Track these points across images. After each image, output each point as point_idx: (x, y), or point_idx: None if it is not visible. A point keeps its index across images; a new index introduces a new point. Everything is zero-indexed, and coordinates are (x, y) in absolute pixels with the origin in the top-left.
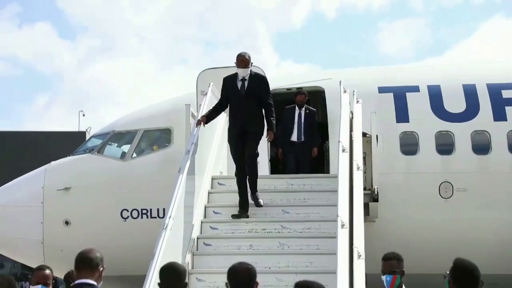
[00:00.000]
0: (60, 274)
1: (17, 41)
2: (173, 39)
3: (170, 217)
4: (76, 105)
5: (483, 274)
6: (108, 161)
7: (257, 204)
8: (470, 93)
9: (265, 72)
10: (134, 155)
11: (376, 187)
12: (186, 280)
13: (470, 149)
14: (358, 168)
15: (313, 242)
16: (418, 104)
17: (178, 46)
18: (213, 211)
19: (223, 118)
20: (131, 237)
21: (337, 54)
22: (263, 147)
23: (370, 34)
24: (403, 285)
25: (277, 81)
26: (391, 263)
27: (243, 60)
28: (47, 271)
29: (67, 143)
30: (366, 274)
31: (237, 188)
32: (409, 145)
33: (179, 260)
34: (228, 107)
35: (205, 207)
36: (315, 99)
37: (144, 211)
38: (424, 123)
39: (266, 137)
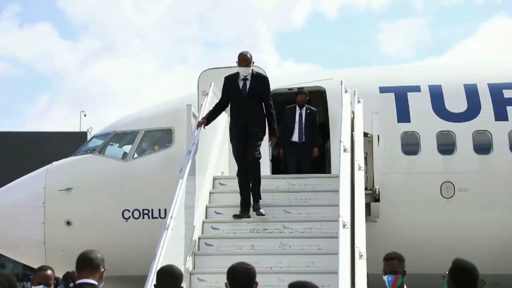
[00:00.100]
0: (61, 275)
1: (18, 41)
2: (174, 39)
3: (171, 217)
4: (77, 105)
5: (484, 274)
6: (109, 162)
7: (258, 214)
8: (471, 93)
9: (266, 72)
10: (136, 155)
11: (377, 187)
12: (183, 284)
13: (471, 149)
14: (359, 168)
15: (315, 242)
16: (419, 104)
17: (179, 46)
18: (215, 211)
19: (224, 118)
20: (132, 237)
21: (338, 54)
22: (265, 148)
23: (371, 34)
24: (405, 285)
25: (278, 81)
26: (393, 263)
27: (244, 59)
28: (49, 272)
29: (69, 143)
30: (367, 274)
31: (238, 188)
32: (410, 145)
33: (180, 260)
34: (230, 107)
35: (206, 207)
36: (316, 99)
37: (146, 212)
38: (425, 123)
39: (268, 142)
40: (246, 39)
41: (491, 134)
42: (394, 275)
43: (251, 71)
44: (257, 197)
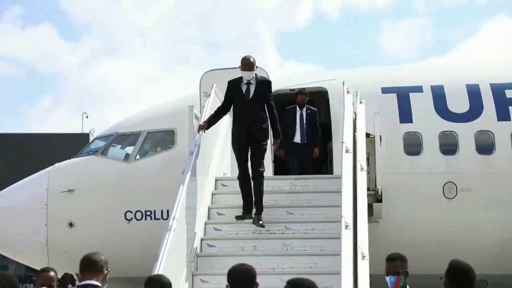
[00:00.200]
0: None
1: (19, 42)
2: (175, 39)
3: (173, 219)
4: (79, 106)
5: (487, 274)
6: (111, 163)
7: (259, 225)
8: (473, 93)
9: (268, 73)
10: (138, 156)
11: (379, 187)
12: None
13: (474, 149)
14: (361, 168)
15: (317, 243)
16: (422, 104)
17: (180, 47)
18: (217, 212)
19: (226, 119)
20: (135, 238)
21: (339, 54)
22: (267, 149)
23: (373, 34)
24: (407, 286)
25: (280, 82)
26: (395, 263)
27: (247, 63)
28: (52, 273)
29: (71, 144)
30: (370, 274)
31: (240, 190)
32: (412, 146)
33: (183, 262)
34: (233, 110)
35: (208, 208)
36: (318, 99)
37: (148, 213)
38: (427, 123)
39: (272, 145)
40: (248, 39)
41: (493, 135)
42: (396, 276)
43: (254, 75)
44: (260, 210)
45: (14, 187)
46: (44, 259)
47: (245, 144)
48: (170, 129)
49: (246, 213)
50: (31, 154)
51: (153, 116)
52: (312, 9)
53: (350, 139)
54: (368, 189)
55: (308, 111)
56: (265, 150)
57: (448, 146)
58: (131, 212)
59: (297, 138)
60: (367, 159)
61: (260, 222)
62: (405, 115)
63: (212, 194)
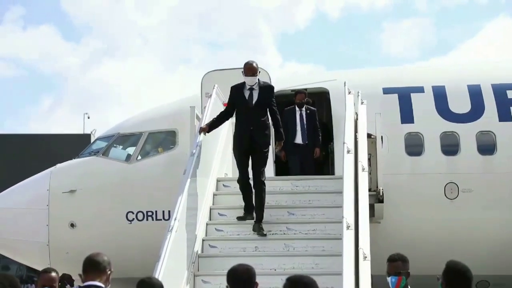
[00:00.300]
0: None
1: (21, 42)
2: (176, 39)
3: (175, 219)
4: (80, 107)
5: (489, 274)
6: (113, 164)
7: (260, 234)
8: (475, 93)
9: (269, 73)
10: (139, 157)
11: (381, 188)
12: None
13: (475, 149)
14: (363, 169)
15: (319, 243)
16: (423, 104)
17: (182, 47)
18: (218, 213)
19: (228, 120)
20: (136, 239)
21: (341, 54)
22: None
23: (374, 34)
24: (409, 286)
25: (281, 83)
26: (396, 264)
27: (250, 69)
28: (53, 274)
29: (72, 145)
30: (371, 275)
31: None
32: (414, 146)
33: (184, 262)
34: (235, 115)
35: (210, 209)
36: (319, 100)
37: (149, 213)
38: (429, 123)
39: (275, 147)
40: (249, 40)
41: (495, 135)
42: (397, 277)
43: (257, 81)
44: (260, 218)
45: (16, 188)
46: (46, 260)
47: (247, 150)
48: (172, 130)
49: (247, 214)
50: (32, 154)
51: (154, 116)
52: (313, 9)
53: (352, 140)
54: (370, 190)
55: (308, 111)
56: (267, 157)
57: (450, 146)
58: (133, 213)
59: (298, 139)
60: (369, 159)
61: (262, 230)
62: (407, 116)
63: (214, 195)
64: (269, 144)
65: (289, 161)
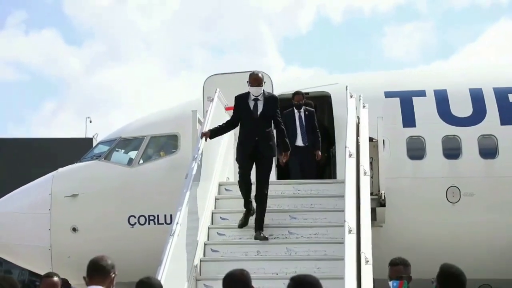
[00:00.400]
0: (68, 281)
1: (23, 47)
2: (179, 43)
3: (177, 223)
4: (82, 111)
5: (491, 278)
6: (115, 168)
7: (263, 239)
8: (476, 97)
9: (271, 77)
10: (141, 161)
11: (383, 192)
12: None
13: (477, 153)
14: (365, 173)
15: (321, 247)
16: (425, 108)
17: (184, 51)
18: (220, 217)
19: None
20: (138, 243)
21: (343, 58)
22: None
23: (376, 38)
24: None
25: (283, 87)
26: (398, 268)
27: (256, 79)
28: (55, 278)
29: (74, 149)
30: (373, 279)
31: None
32: (416, 150)
33: (186, 267)
34: (239, 124)
35: (212, 213)
36: (321, 104)
37: (151, 217)
38: (430, 127)
39: (281, 157)
40: (251, 44)
41: (496, 139)
42: (399, 281)
43: (262, 92)
44: (261, 227)
45: (18, 192)
46: (48, 264)
47: (251, 160)
48: (173, 134)
49: (247, 213)
50: (34, 159)
51: (156, 120)
52: (315, 13)
53: (353, 144)
54: (372, 194)
55: (306, 112)
56: (270, 168)
57: (452, 150)
58: (135, 217)
59: (299, 141)
60: (370, 163)
61: (263, 235)
62: (408, 119)
63: (216, 199)
64: (274, 155)
65: (289, 163)
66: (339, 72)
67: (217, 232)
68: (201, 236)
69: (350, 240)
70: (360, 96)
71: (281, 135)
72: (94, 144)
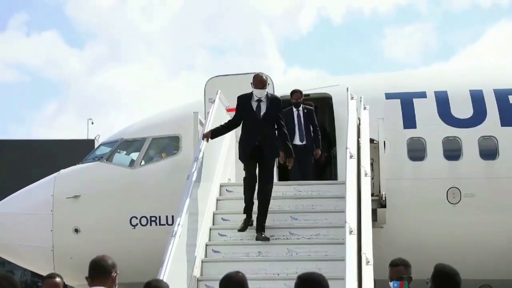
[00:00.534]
0: (70, 282)
1: (25, 48)
2: (180, 45)
3: (178, 224)
4: (84, 112)
5: (491, 279)
6: (117, 169)
7: (264, 239)
8: (477, 98)
9: (272, 79)
10: (143, 162)
11: (383, 193)
12: None
13: (477, 154)
14: (365, 174)
15: (322, 248)
16: (425, 110)
17: (185, 52)
18: (222, 218)
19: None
20: (140, 244)
21: (343, 60)
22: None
23: (377, 39)
24: None
25: (284, 88)
26: (398, 269)
27: (261, 81)
28: (58, 279)
29: (76, 151)
30: (374, 280)
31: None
32: (416, 151)
33: (188, 267)
34: (241, 125)
35: (213, 214)
36: (322, 105)
37: (153, 219)
38: (431, 129)
39: (287, 164)
40: (252, 45)
41: (497, 140)
42: (399, 282)
43: (265, 93)
44: (262, 228)
45: (20, 193)
46: (50, 265)
47: (254, 162)
48: (175, 135)
49: (247, 219)
50: (36, 160)
51: (158, 122)
52: (316, 15)
53: (354, 145)
54: (372, 195)
55: (305, 110)
56: (273, 168)
57: (452, 151)
58: (136, 218)
59: (297, 140)
60: (371, 164)
61: (264, 236)
62: (409, 121)
63: (217, 200)
64: (276, 156)
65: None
66: (340, 74)
67: (218, 233)
68: (203, 237)
69: (351, 241)
70: (361, 97)
71: (284, 140)
72: (96, 145)
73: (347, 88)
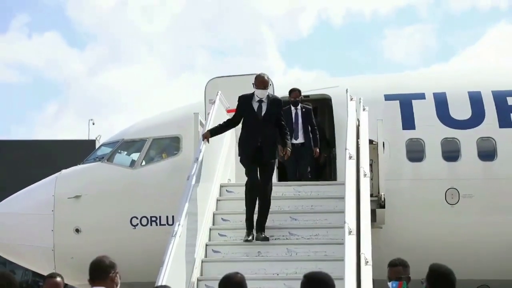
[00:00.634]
0: (71, 282)
1: (26, 49)
2: (181, 46)
3: (179, 225)
4: (85, 113)
5: (489, 279)
6: (117, 169)
7: (264, 239)
8: (475, 100)
9: (272, 80)
10: (144, 163)
11: (382, 193)
12: None
13: (476, 155)
14: (365, 175)
15: (321, 248)
16: (424, 111)
17: (186, 53)
18: (222, 218)
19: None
20: (140, 244)
21: (343, 61)
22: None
23: (377, 41)
24: None
25: (284, 89)
26: (397, 269)
27: (263, 82)
28: (58, 279)
29: (77, 151)
30: (373, 280)
31: (245, 195)
32: (415, 152)
33: (188, 267)
34: (242, 125)
35: (213, 214)
36: (322, 106)
37: (154, 219)
38: (430, 130)
39: (283, 153)
40: (253, 47)
41: (495, 141)
42: (398, 282)
43: (267, 94)
44: (262, 228)
45: (21, 193)
46: (51, 265)
47: (254, 160)
48: (176, 136)
49: (249, 231)
50: (37, 160)
51: (158, 123)
52: (316, 17)
53: (354, 146)
54: (371, 195)
55: (303, 109)
56: (273, 169)
57: (451, 152)
58: (137, 218)
59: (295, 138)
60: (370, 165)
61: (264, 236)
62: (408, 122)
63: (217, 200)
64: (276, 157)
65: (285, 161)
66: (339, 75)
67: (218, 233)
68: (203, 237)
69: (350, 241)
70: (360, 99)
71: (283, 134)
72: (97, 146)
73: (347, 90)
